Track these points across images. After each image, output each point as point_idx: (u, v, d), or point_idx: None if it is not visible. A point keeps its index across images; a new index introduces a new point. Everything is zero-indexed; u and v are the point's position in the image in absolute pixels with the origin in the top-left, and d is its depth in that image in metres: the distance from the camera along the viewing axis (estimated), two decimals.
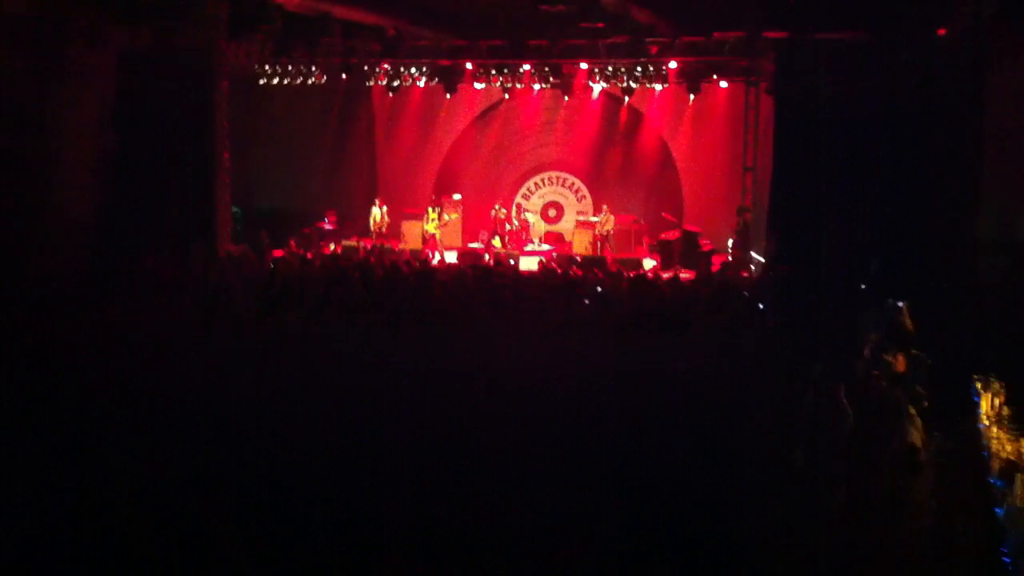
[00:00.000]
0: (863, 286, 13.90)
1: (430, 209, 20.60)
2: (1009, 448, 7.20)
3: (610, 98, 21.10)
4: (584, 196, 22.27)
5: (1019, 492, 6.52)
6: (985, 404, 8.45)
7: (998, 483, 6.74)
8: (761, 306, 11.82)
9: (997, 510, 6.50)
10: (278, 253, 18.96)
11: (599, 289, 14.24)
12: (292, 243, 20.12)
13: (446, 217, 20.70)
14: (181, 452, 7.32)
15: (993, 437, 7.52)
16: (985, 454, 7.42)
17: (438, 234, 20.52)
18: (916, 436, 7.15)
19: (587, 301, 12.76)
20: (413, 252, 20.06)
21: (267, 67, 20.76)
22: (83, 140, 19.74)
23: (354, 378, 9.85)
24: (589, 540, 5.66)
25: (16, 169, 18.61)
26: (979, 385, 8.91)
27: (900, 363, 9.39)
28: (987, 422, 7.93)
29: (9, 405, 7.92)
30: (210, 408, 8.64)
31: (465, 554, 5.67)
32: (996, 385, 8.56)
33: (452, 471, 6.96)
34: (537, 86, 20.71)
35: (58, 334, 10.07)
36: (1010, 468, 6.77)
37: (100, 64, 19.09)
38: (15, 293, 12.84)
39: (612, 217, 19.84)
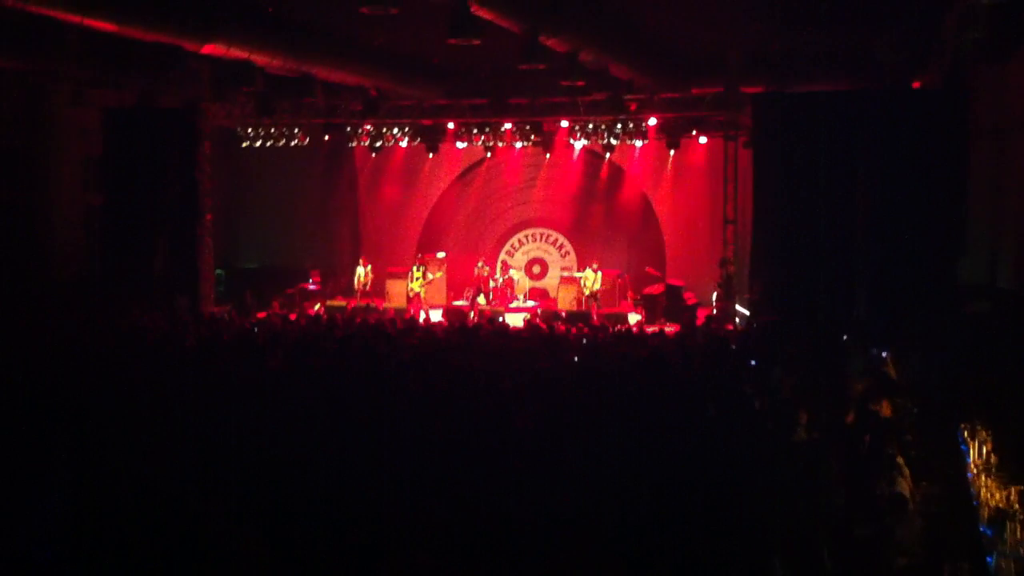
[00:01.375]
0: (845, 334, 13.89)
1: (414, 268, 20.59)
2: (998, 496, 7.13)
3: (591, 154, 21.29)
4: (568, 252, 22.34)
5: (1009, 540, 6.45)
6: (973, 452, 8.40)
7: (988, 531, 6.67)
8: (753, 362, 11.81)
9: (988, 558, 6.42)
10: (261, 315, 18.89)
11: (584, 342, 14.20)
12: (276, 304, 20.08)
13: (430, 275, 20.70)
14: (181, 455, 7.30)
15: (982, 485, 7.45)
16: (974, 503, 7.35)
17: (423, 292, 20.50)
18: (903, 485, 7.09)
19: (576, 358, 12.71)
20: (398, 311, 20.00)
21: (250, 128, 20.90)
22: (69, 196, 19.80)
23: (354, 383, 9.96)
24: (592, 540, 5.64)
25: (8, 222, 18.66)
26: (966, 433, 8.86)
27: (886, 411, 9.36)
28: (975, 470, 7.86)
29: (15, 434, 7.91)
30: (209, 411, 8.69)
31: (466, 554, 5.64)
32: (983, 433, 8.51)
33: (453, 471, 6.93)
34: (519, 144, 20.88)
35: (54, 385, 10.08)
36: (1000, 516, 6.70)
37: (85, 122, 19.23)
38: (8, 346, 12.89)
39: (600, 275, 19.80)
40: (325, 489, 6.53)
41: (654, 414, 8.44)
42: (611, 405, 9.06)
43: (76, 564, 5.74)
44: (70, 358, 11.81)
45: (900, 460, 7.55)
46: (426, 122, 20.71)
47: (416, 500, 6.27)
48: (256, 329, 15.67)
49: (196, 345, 13.19)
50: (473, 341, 14.15)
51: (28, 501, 6.34)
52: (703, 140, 19.82)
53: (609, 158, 20.91)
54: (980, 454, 8.05)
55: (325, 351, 12.60)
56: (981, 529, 6.83)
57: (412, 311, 19.84)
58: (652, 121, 19.15)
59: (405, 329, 15.31)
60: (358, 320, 17.30)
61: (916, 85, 16.66)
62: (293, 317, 17.91)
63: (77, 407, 8.71)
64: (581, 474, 6.79)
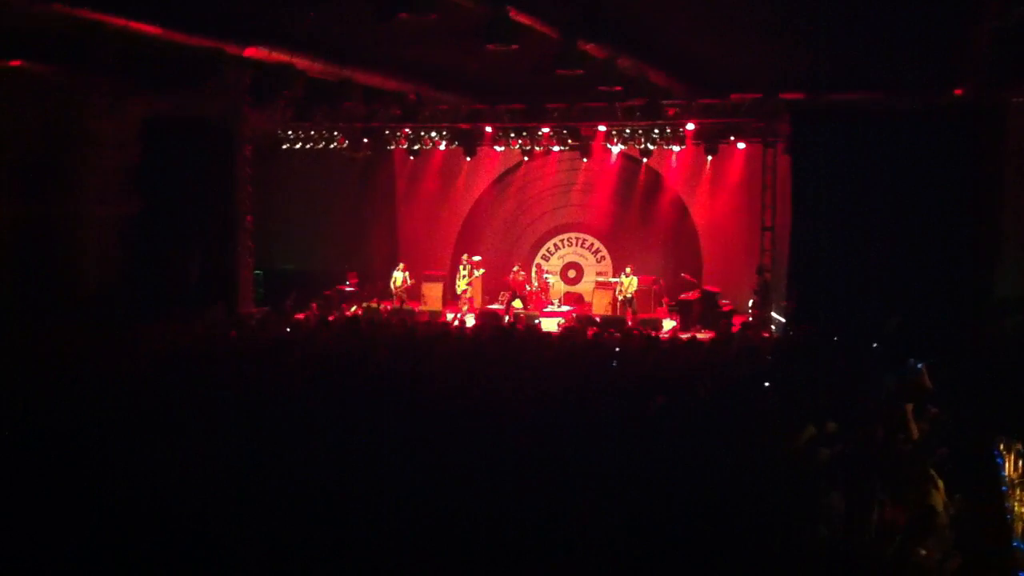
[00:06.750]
0: (881, 345, 13.79)
1: (461, 267, 20.79)
2: None
3: (628, 159, 21.27)
4: (603, 257, 22.34)
5: None
6: (1008, 465, 8.33)
7: (1021, 546, 6.63)
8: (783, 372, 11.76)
9: (1020, 573, 6.38)
10: (299, 316, 19.05)
11: (617, 349, 14.19)
12: (314, 305, 20.25)
13: (476, 273, 20.86)
14: (206, 461, 7.39)
15: (1016, 499, 7.40)
16: (1008, 516, 7.29)
17: (469, 291, 20.65)
18: (936, 498, 7.04)
19: (615, 363, 12.71)
20: (432, 314, 20.13)
21: (289, 132, 21.11)
22: (107, 203, 20.05)
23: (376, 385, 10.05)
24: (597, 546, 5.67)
25: (41, 233, 18.95)
26: (1002, 446, 8.78)
27: (921, 424, 9.29)
28: (1010, 484, 7.80)
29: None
30: (234, 417, 8.80)
31: (467, 555, 5.70)
32: (1019, 446, 8.44)
33: (455, 474, 6.98)
34: (556, 148, 20.94)
35: (80, 397, 10.21)
36: None
37: (123, 128, 19.46)
38: (42, 351, 13.09)
39: (635, 279, 19.83)
40: (335, 491, 6.59)
41: (684, 422, 8.43)
42: (641, 412, 9.06)
43: (85, 566, 5.84)
44: (99, 368, 11.90)
45: (933, 472, 7.51)
46: (464, 126, 20.81)
47: (423, 503, 6.33)
48: (289, 330, 15.80)
49: (228, 351, 13.25)
50: (506, 344, 14.18)
51: (49, 508, 6.43)
52: (741, 146, 19.76)
53: (646, 163, 20.89)
54: (1015, 468, 7.99)
55: (351, 355, 12.66)
56: (1015, 544, 6.79)
57: (455, 311, 20.03)
58: (690, 127, 19.12)
59: (435, 333, 15.38)
60: (392, 322, 17.43)
61: (958, 92, 16.50)
62: (332, 319, 18.07)
63: (104, 417, 8.80)
64: (592, 479, 6.80)
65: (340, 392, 9.83)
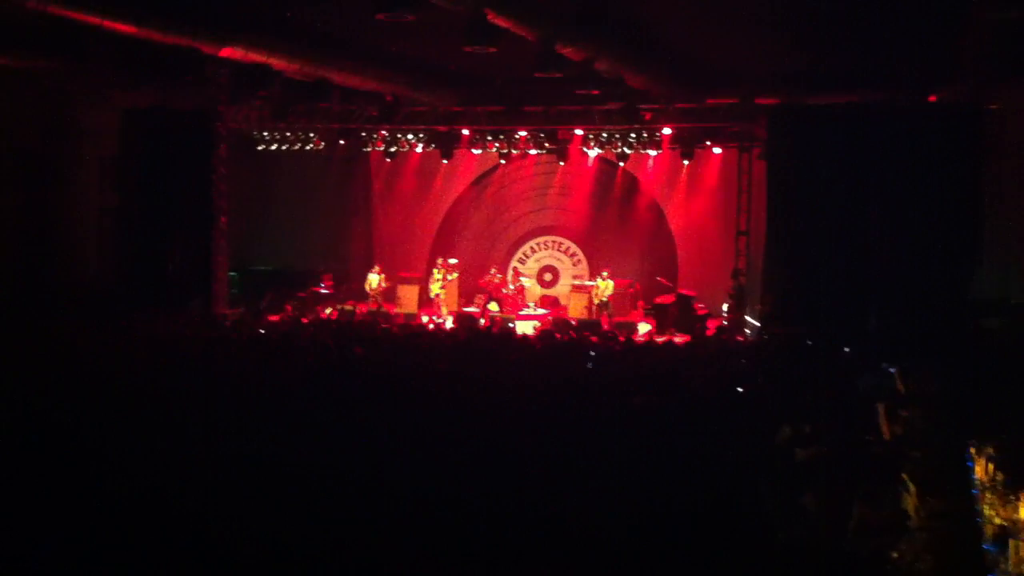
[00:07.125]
0: (855, 349, 13.87)
1: (435, 270, 20.73)
2: (1002, 514, 7.12)
3: (605, 163, 21.31)
4: (580, 260, 22.36)
5: (1012, 558, 6.44)
6: (979, 469, 8.38)
7: (991, 548, 6.66)
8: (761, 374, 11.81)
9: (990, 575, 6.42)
10: (274, 318, 18.96)
11: (592, 353, 14.21)
12: (288, 307, 20.16)
13: (449, 277, 20.82)
14: (186, 457, 7.32)
15: (986, 502, 7.44)
16: (978, 519, 7.33)
17: (442, 294, 20.59)
18: (908, 501, 7.08)
19: (589, 365, 12.72)
20: (408, 316, 20.09)
21: (265, 132, 21.00)
22: (84, 197, 19.92)
23: (359, 386, 9.98)
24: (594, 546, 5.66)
25: (36, 228, 18.80)
26: (973, 449, 8.85)
27: (894, 427, 9.34)
28: (980, 487, 7.85)
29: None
30: (216, 414, 8.71)
31: (468, 557, 5.67)
32: (990, 449, 8.50)
33: (455, 473, 6.94)
34: (533, 151, 20.94)
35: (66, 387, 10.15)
36: (1003, 534, 6.69)
37: (101, 123, 19.32)
38: (38, 346, 12.99)
39: (611, 283, 19.87)
40: (327, 492, 6.56)
41: (661, 423, 8.45)
42: (618, 413, 9.07)
43: (77, 565, 5.78)
44: (81, 360, 11.84)
45: (905, 476, 7.55)
46: (441, 128, 20.78)
47: (419, 504, 6.31)
48: (264, 332, 15.73)
49: (205, 348, 13.22)
50: (482, 346, 14.18)
51: (35, 502, 6.38)
52: (717, 151, 19.84)
53: (623, 167, 20.94)
54: (985, 471, 8.04)
55: (331, 354, 12.65)
56: (984, 547, 6.83)
57: (430, 314, 19.97)
58: (666, 131, 19.18)
59: (412, 333, 15.36)
60: (366, 323, 17.38)
61: (932, 99, 16.65)
62: (306, 320, 18.00)
63: (84, 409, 8.74)
64: (585, 480, 6.80)
65: (339, 390, 9.82)
